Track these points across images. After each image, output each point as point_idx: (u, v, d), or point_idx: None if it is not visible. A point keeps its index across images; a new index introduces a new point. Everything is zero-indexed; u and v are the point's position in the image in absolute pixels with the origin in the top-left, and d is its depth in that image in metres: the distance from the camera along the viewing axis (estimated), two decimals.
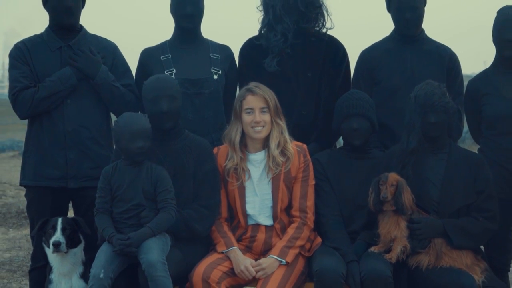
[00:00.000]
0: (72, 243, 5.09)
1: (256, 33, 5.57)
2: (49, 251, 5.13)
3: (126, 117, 5.04)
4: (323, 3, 5.48)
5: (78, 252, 5.16)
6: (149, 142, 4.96)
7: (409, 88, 5.11)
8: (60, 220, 5.10)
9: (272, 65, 5.40)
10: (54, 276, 5.16)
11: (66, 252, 5.06)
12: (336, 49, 5.53)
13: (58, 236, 5.04)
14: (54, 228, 5.06)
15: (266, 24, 5.46)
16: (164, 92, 5.06)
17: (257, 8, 5.53)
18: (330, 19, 5.52)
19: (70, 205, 5.56)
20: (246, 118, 5.05)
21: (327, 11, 5.50)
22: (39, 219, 5.26)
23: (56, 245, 5.01)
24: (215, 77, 5.50)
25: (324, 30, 5.52)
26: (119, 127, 5.01)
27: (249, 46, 5.59)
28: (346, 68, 5.55)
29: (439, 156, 5.05)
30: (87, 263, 5.10)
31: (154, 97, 5.06)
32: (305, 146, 5.18)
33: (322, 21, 5.49)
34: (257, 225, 5.11)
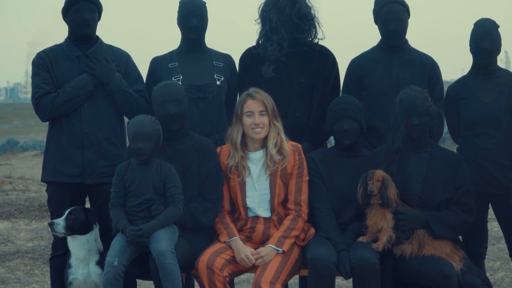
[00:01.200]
0: (80, 229, 5.12)
1: (254, 43, 5.56)
2: (69, 238, 5.16)
3: (134, 120, 5.05)
4: (315, 16, 5.48)
5: (92, 239, 5.18)
6: (152, 145, 4.94)
7: (394, 93, 5.11)
8: (70, 209, 5.15)
9: (268, 72, 5.39)
10: (72, 261, 5.18)
11: (64, 235, 5.12)
12: (326, 57, 5.52)
13: (58, 219, 5.11)
14: (62, 215, 5.11)
15: (263, 35, 5.46)
16: (171, 96, 5.06)
17: (255, 20, 5.53)
18: (321, 30, 5.52)
19: (87, 199, 5.56)
20: (247, 120, 5.05)
21: (318, 23, 5.50)
22: (59, 212, 5.27)
23: (50, 225, 5.12)
24: (218, 83, 5.49)
25: (316, 40, 5.51)
26: (127, 128, 5.05)
27: (248, 55, 5.58)
28: (336, 75, 5.53)
29: (421, 154, 5.05)
30: (103, 253, 5.10)
31: (162, 101, 5.06)
32: (299, 145, 5.18)
33: (314, 32, 5.48)
34: (256, 217, 5.10)
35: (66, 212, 5.12)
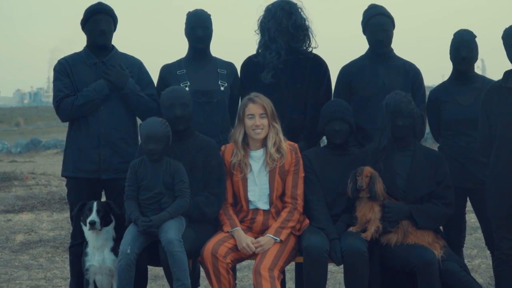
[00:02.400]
0: (105, 222, 5.10)
1: (254, 51, 5.55)
2: (85, 228, 5.14)
3: (146, 123, 5.05)
4: (309, 27, 5.47)
5: (110, 229, 5.17)
6: (162, 146, 4.94)
7: (381, 97, 5.11)
8: (95, 203, 5.12)
9: (267, 77, 5.38)
10: (89, 249, 5.17)
11: (100, 230, 5.07)
12: (319, 64, 5.51)
13: (93, 216, 5.06)
14: (90, 210, 5.08)
15: (262, 44, 5.45)
16: (178, 100, 5.07)
17: (255, 31, 5.52)
18: (315, 40, 5.51)
19: (103, 192, 5.56)
20: (248, 122, 5.05)
21: (312, 33, 5.49)
22: (76, 202, 5.28)
23: (92, 224, 5.04)
24: (222, 88, 5.49)
25: (310, 49, 5.50)
26: (140, 130, 5.05)
27: (249, 63, 5.57)
28: (328, 80, 5.53)
29: (405, 153, 5.05)
30: (117, 240, 5.11)
31: (169, 104, 5.07)
32: (296, 145, 5.17)
33: (308, 42, 5.48)
34: (257, 209, 5.10)
35: (94, 210, 5.09)
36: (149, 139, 4.94)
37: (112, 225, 5.19)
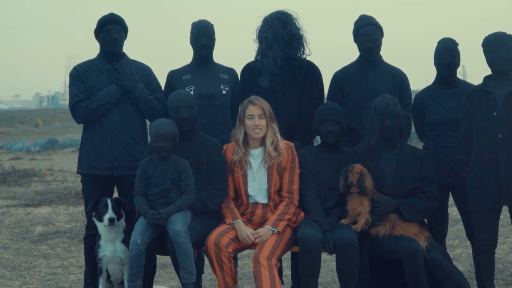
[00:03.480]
0: (117, 217, 5.10)
1: (253, 58, 5.55)
2: (99, 224, 5.14)
3: (156, 123, 5.05)
4: (303, 36, 5.46)
5: (121, 223, 5.17)
6: (170, 144, 4.95)
7: (370, 100, 5.10)
8: (109, 200, 5.11)
9: (265, 82, 5.38)
10: (102, 242, 5.17)
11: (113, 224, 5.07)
12: (312, 70, 5.50)
13: (110, 213, 5.06)
14: (106, 207, 5.07)
15: (260, 51, 5.44)
16: (183, 103, 5.07)
17: (253, 40, 5.52)
18: (308, 47, 5.50)
19: (115, 188, 5.57)
20: (248, 122, 5.05)
21: (306, 41, 5.48)
22: (92, 199, 5.28)
23: (111, 221, 5.04)
24: (224, 92, 5.49)
25: (304, 56, 5.49)
26: (150, 129, 5.05)
27: (248, 68, 5.57)
28: (320, 85, 5.52)
29: (393, 151, 5.04)
30: (127, 232, 5.11)
31: (176, 107, 5.07)
32: (292, 144, 5.17)
33: (302, 49, 5.47)
34: (256, 203, 5.10)
35: (110, 207, 5.08)
36: (159, 137, 4.94)
37: (123, 219, 5.20)
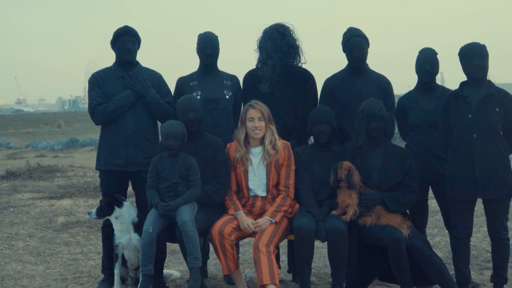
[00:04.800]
0: (105, 211, 5.24)
1: (254, 66, 5.54)
2: (111, 217, 5.24)
3: (166, 124, 5.06)
4: (299, 46, 5.45)
5: (125, 215, 5.21)
6: (179, 142, 4.96)
7: (358, 104, 5.09)
8: (100, 201, 5.32)
9: (265, 88, 5.37)
10: (116, 232, 5.22)
11: (97, 218, 5.33)
12: (307, 77, 5.50)
13: (92, 210, 5.33)
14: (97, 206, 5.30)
15: (261, 60, 5.43)
16: (190, 106, 5.07)
17: (254, 50, 5.51)
18: (304, 56, 5.49)
19: (129, 182, 5.57)
20: (249, 124, 5.06)
21: (302, 51, 5.47)
22: (108, 192, 5.29)
23: (88, 213, 5.35)
24: (227, 97, 5.48)
25: (300, 64, 5.48)
26: (161, 129, 5.06)
27: (249, 75, 5.56)
28: (314, 90, 5.51)
29: (378, 149, 5.04)
30: (140, 223, 5.11)
31: (184, 110, 5.08)
32: (288, 143, 5.17)
33: (298, 58, 5.46)
34: (256, 196, 5.11)
35: (97, 207, 5.28)
36: (169, 136, 4.95)
37: (116, 213, 5.23)
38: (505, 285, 5.06)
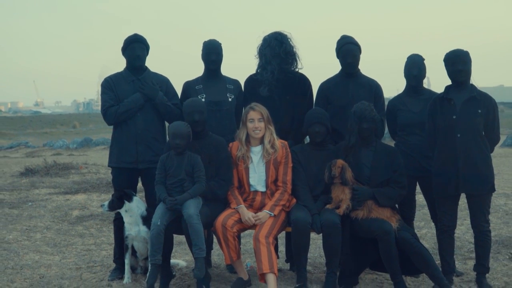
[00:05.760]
0: (116, 205, 5.24)
1: (254, 71, 5.53)
2: (121, 211, 5.25)
3: (173, 124, 5.06)
4: (296, 53, 5.45)
5: (135, 209, 5.21)
6: (185, 142, 4.95)
7: (350, 106, 5.09)
8: (111, 195, 5.30)
9: (264, 91, 5.37)
10: (126, 224, 5.22)
11: (108, 211, 5.29)
12: (304, 81, 5.49)
13: (105, 203, 5.29)
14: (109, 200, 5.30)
15: (260, 66, 5.44)
16: (196, 108, 5.07)
17: (255, 56, 5.51)
18: (300, 62, 5.49)
19: (139, 178, 5.57)
20: (249, 125, 5.06)
21: (298, 57, 5.47)
22: (119, 187, 5.29)
23: (101, 206, 5.33)
24: (230, 99, 5.48)
25: (297, 69, 5.48)
26: (168, 129, 5.06)
27: (250, 80, 5.55)
28: (310, 94, 5.51)
29: (369, 148, 5.04)
30: (149, 216, 5.11)
31: (189, 112, 5.08)
32: (286, 142, 5.17)
33: (295, 64, 5.45)
34: (256, 191, 5.10)
35: (109, 199, 5.27)
36: (176, 136, 4.94)
37: (126, 207, 5.23)
38: (487, 274, 5.07)
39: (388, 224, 4.79)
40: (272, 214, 4.96)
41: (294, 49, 5.45)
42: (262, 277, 4.73)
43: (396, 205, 5.11)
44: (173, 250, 5.55)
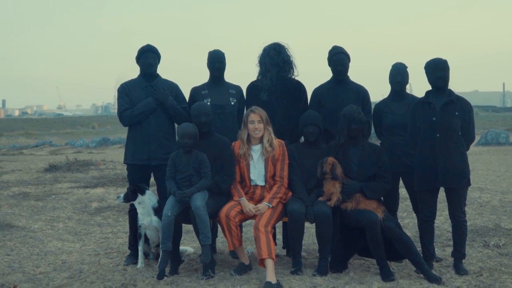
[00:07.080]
0: (131, 197, 5.24)
1: (255, 78, 5.53)
2: (135, 203, 5.25)
3: (182, 126, 5.05)
4: (293, 61, 5.46)
5: (147, 201, 5.21)
6: (192, 141, 4.95)
7: (340, 109, 5.10)
8: (127, 189, 5.30)
9: (264, 96, 5.38)
10: (139, 215, 5.23)
11: (124, 202, 5.27)
12: (299, 87, 5.49)
13: (120, 195, 5.29)
14: (124, 193, 5.29)
15: (260, 73, 5.44)
16: (202, 111, 5.07)
17: (256, 64, 5.52)
18: (297, 70, 5.49)
19: (151, 174, 5.57)
20: (250, 126, 5.05)
21: (295, 65, 5.48)
22: (134, 182, 5.30)
23: (117, 197, 5.32)
24: (232, 103, 5.48)
25: (293, 76, 5.48)
26: (177, 130, 5.06)
27: (251, 86, 5.55)
28: (305, 98, 5.50)
29: (357, 147, 5.03)
30: (160, 208, 5.11)
31: (197, 114, 5.08)
32: (283, 141, 5.17)
33: (292, 71, 5.45)
34: (256, 185, 5.10)
35: (124, 192, 5.29)
36: (184, 136, 4.95)
37: (139, 199, 5.23)
38: (463, 260, 5.07)
39: (375, 214, 4.79)
40: (271, 205, 4.96)
41: (291, 58, 5.45)
42: (262, 262, 4.73)
43: (382, 198, 5.12)
44: (182, 238, 5.56)
